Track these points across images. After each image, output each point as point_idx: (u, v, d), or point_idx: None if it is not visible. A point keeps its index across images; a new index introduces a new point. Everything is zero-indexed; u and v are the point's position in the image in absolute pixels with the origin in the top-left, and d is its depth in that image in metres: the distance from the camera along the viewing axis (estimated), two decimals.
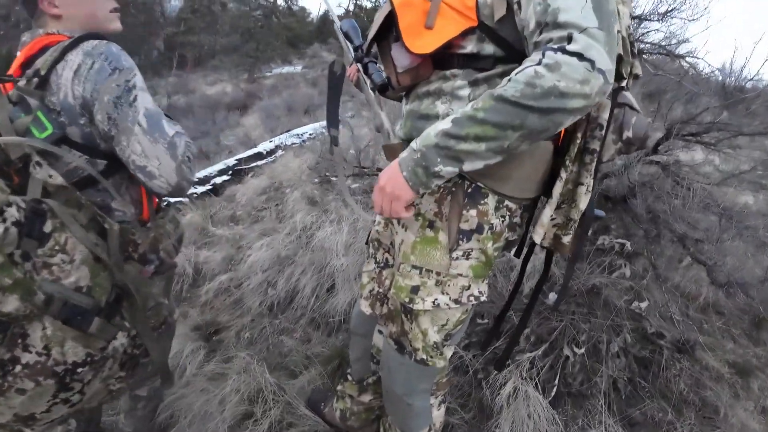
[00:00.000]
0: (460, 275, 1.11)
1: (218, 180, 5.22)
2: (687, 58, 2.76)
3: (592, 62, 0.80)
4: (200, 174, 5.48)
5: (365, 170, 3.38)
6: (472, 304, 1.17)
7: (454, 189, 1.08)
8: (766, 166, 4.16)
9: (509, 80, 0.87)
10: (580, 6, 0.83)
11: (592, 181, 1.08)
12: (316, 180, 4.01)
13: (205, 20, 28.89)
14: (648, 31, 2.92)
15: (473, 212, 1.07)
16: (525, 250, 1.35)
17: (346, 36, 1.29)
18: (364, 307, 1.44)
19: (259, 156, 6.07)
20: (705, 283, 2.22)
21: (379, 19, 1.10)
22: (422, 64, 1.09)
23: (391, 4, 1.05)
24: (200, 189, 4.93)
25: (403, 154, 0.97)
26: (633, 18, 2.91)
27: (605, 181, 2.68)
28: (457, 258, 1.10)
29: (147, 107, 0.99)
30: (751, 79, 2.87)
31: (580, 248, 1.16)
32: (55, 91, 0.93)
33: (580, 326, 1.88)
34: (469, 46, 1.03)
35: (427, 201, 1.11)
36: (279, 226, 3.28)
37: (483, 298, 1.16)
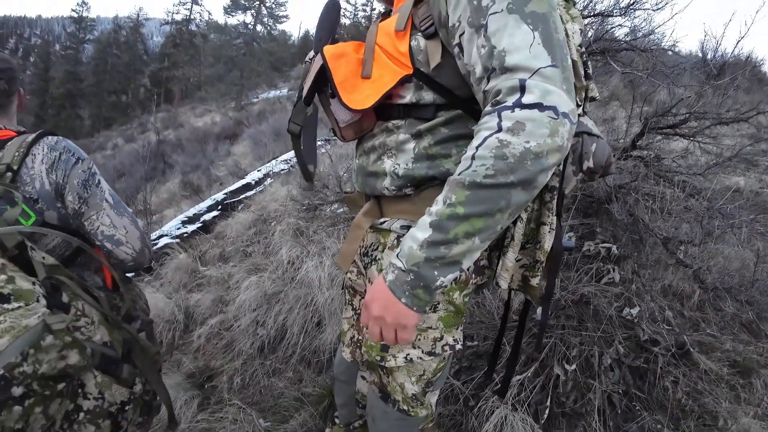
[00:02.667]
0: (430, 328, 1.07)
1: (208, 216, 5.21)
2: (654, 50, 2.72)
3: (554, 108, 0.73)
4: (190, 212, 5.48)
5: (345, 196, 3.35)
6: (448, 353, 1.12)
7: None
8: (755, 140, 4.11)
9: (473, 159, 0.77)
10: (528, 43, 0.76)
11: (554, 219, 1.02)
12: (304, 207, 3.99)
13: (188, 53, 29.25)
14: (612, 27, 2.89)
15: None
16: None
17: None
18: (346, 354, 1.41)
19: (248, 187, 6.07)
20: (697, 281, 2.17)
21: (312, 72, 1.05)
22: (364, 117, 1.05)
23: (323, 57, 1.01)
24: (190, 228, 4.91)
25: (390, 277, 0.86)
26: (595, 15, 2.89)
27: (587, 182, 2.65)
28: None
29: (109, 189, 1.16)
30: (732, 54, 2.82)
31: (552, 285, 1.11)
32: (29, 182, 1.04)
33: (570, 341, 1.83)
34: (408, 95, 0.99)
35: (388, 256, 1.07)
36: (266, 261, 3.25)
37: (458, 346, 1.11)
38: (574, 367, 1.75)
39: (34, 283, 0.87)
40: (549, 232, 1.03)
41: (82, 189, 1.10)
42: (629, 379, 1.75)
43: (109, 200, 1.14)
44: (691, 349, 1.80)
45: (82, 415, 0.92)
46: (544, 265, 1.06)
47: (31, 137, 1.07)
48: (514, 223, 1.04)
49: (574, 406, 1.68)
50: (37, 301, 0.85)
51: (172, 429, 1.48)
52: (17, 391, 0.77)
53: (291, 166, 6.78)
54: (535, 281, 1.08)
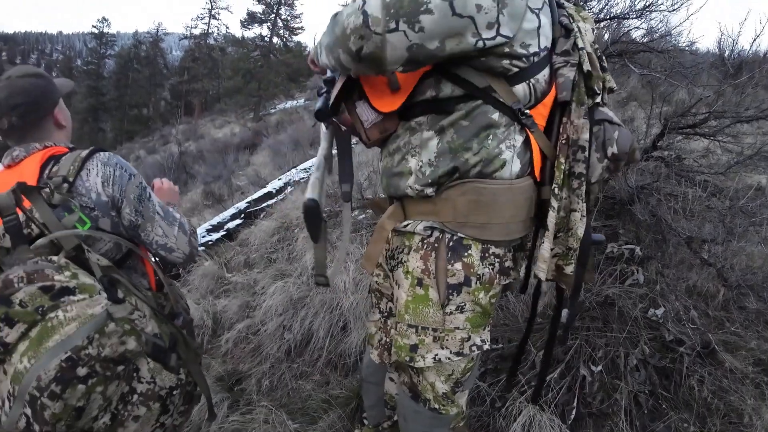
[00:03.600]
0: (458, 329, 1.10)
1: (231, 225, 5.32)
2: (671, 51, 2.73)
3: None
4: (214, 221, 5.60)
5: (368, 201, 3.41)
6: (476, 354, 1.16)
7: (436, 245, 1.08)
8: None
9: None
10: None
11: (584, 205, 1.06)
12: (325, 214, 4.05)
13: (206, 66, 29.87)
14: (629, 29, 2.90)
15: (458, 265, 1.06)
16: (534, 282, 1.34)
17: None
18: (374, 356, 1.44)
19: (269, 196, 6.17)
20: (721, 279, 2.16)
21: (339, 84, 1.11)
22: (387, 117, 1.11)
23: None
24: (215, 236, 5.02)
25: None
26: (611, 18, 2.90)
27: (610, 182, 2.65)
28: (451, 313, 1.09)
29: (158, 200, 1.26)
30: (749, 52, 2.80)
31: (581, 276, 1.14)
32: (84, 193, 1.13)
33: (596, 342, 1.85)
34: (428, 91, 1.05)
35: (413, 258, 1.11)
36: (290, 267, 3.31)
37: (486, 347, 1.15)
38: (600, 368, 1.76)
39: (94, 279, 0.96)
40: (581, 219, 1.07)
41: (138, 203, 1.20)
42: (655, 379, 1.76)
43: (160, 212, 1.24)
44: (717, 348, 1.79)
45: (135, 397, 1.00)
46: (577, 253, 1.10)
47: (84, 153, 1.16)
48: (546, 213, 1.08)
49: (600, 406, 1.70)
50: (99, 293, 0.93)
51: (211, 420, 1.63)
52: (82, 371, 0.84)
53: (310, 174, 6.87)
54: (569, 269, 1.12)
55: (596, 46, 1.12)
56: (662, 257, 2.13)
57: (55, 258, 0.94)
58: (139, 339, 0.97)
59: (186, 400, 1.17)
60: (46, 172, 1.12)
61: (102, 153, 1.20)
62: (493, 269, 1.09)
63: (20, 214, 0.99)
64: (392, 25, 0.86)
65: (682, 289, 2.07)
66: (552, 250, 1.11)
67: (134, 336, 0.95)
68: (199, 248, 1.32)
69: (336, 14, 0.95)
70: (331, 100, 1.12)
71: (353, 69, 0.98)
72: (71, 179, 1.10)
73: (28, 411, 0.81)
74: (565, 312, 2.05)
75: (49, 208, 1.02)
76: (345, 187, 1.25)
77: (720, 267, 2.00)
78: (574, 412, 1.67)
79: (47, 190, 1.06)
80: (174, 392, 1.09)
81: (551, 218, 1.06)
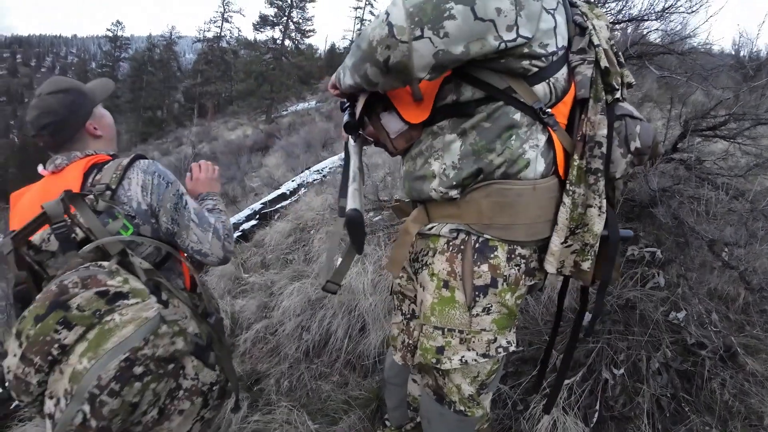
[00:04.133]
0: (484, 330, 1.11)
1: (246, 225, 5.38)
2: (691, 53, 2.71)
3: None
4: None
5: (383, 203, 3.43)
6: (502, 355, 1.16)
7: (462, 246, 1.09)
8: None
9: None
10: None
11: (602, 201, 1.06)
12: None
13: (219, 69, 30.16)
14: (649, 31, 2.89)
15: (485, 267, 1.07)
16: (554, 284, 1.34)
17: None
18: (397, 357, 1.45)
19: (283, 197, 6.22)
20: (743, 282, 2.14)
21: (362, 99, 1.13)
22: (413, 126, 1.12)
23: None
24: None
25: None
26: (631, 20, 2.89)
27: (630, 185, 2.63)
28: (477, 314, 1.10)
29: (194, 207, 1.30)
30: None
31: (609, 273, 1.13)
32: (126, 201, 1.18)
33: (618, 345, 1.84)
34: (449, 96, 1.06)
35: (438, 261, 1.12)
36: (307, 268, 3.34)
37: (512, 348, 1.15)
38: (622, 371, 1.76)
39: (143, 283, 1.02)
40: (598, 215, 1.06)
41: (173, 211, 1.25)
42: (677, 382, 1.75)
43: (195, 220, 1.29)
44: (738, 350, 1.78)
45: (181, 392, 1.08)
46: (596, 249, 1.09)
47: (125, 161, 1.21)
48: (558, 209, 1.08)
49: (622, 409, 1.69)
50: (149, 297, 0.99)
51: (235, 411, 1.78)
52: (138, 370, 0.91)
53: (323, 176, 6.92)
54: (585, 265, 1.11)
55: (612, 42, 1.12)
56: (684, 260, 2.12)
57: (105, 264, 0.99)
58: (186, 339, 1.04)
59: (220, 395, 1.22)
60: (90, 180, 1.17)
61: (143, 161, 1.25)
62: (519, 270, 1.10)
63: (66, 218, 1.04)
64: (417, 33, 0.88)
65: (704, 293, 2.06)
66: (570, 246, 1.11)
67: (182, 336, 1.02)
68: (233, 250, 1.39)
69: (359, 32, 0.98)
70: (357, 114, 1.14)
71: (381, 82, 0.99)
72: (113, 187, 1.16)
73: (86, 408, 0.85)
74: (587, 315, 2.06)
75: (94, 214, 1.07)
76: (342, 201, 1.23)
77: (742, 270, 1.98)
78: (596, 415, 1.67)
79: (91, 197, 1.11)
80: (214, 387, 1.17)
81: (562, 214, 1.07)
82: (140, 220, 1.20)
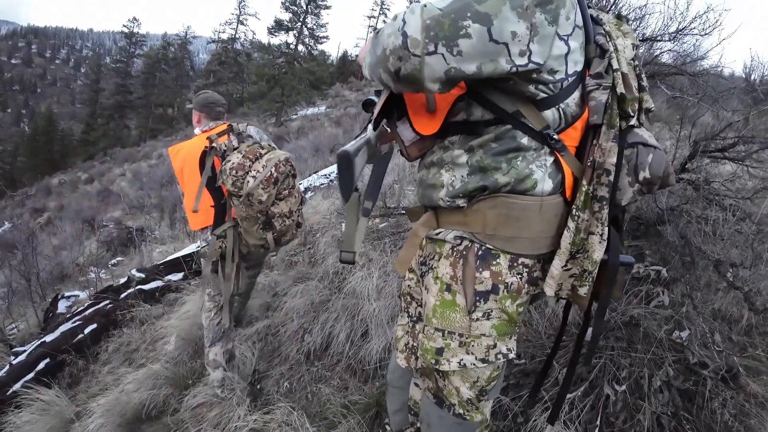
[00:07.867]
0: (484, 335, 1.12)
1: None
2: (703, 76, 2.73)
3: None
4: None
5: (391, 210, 3.44)
6: (502, 362, 1.17)
7: (465, 253, 1.11)
8: None
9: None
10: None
11: (605, 228, 1.05)
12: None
13: (232, 70, 30.43)
14: (662, 52, 2.91)
15: (486, 273, 1.09)
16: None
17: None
18: (400, 360, 1.47)
19: None
20: (747, 303, 2.14)
21: (381, 100, 1.14)
22: (425, 137, 1.16)
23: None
24: None
25: None
26: (644, 40, 2.91)
27: (637, 203, 2.63)
28: (477, 319, 1.11)
29: None
30: None
31: (607, 298, 1.12)
32: None
33: (620, 362, 1.84)
34: (460, 114, 1.09)
35: (443, 265, 1.15)
36: (312, 271, 3.36)
37: (512, 355, 1.16)
38: (623, 387, 1.75)
39: None
40: (599, 242, 1.05)
41: None
42: (678, 401, 1.74)
43: None
44: (740, 371, 1.78)
45: None
46: (593, 275, 1.09)
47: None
48: (561, 228, 1.09)
49: (623, 426, 1.69)
50: None
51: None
52: None
53: (330, 180, 6.95)
54: (582, 291, 1.11)
55: (636, 63, 1.11)
56: (689, 279, 2.12)
57: None
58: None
59: None
60: None
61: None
62: (521, 278, 1.11)
63: None
64: (431, 48, 0.88)
65: (708, 313, 2.06)
66: (569, 269, 1.10)
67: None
68: None
69: (377, 32, 0.97)
70: (374, 120, 1.14)
71: (393, 87, 1.01)
72: None
73: None
74: (590, 331, 2.05)
75: None
76: (367, 203, 1.28)
77: (747, 291, 1.98)
78: (597, 430, 1.67)
79: None
80: None
81: (565, 239, 1.06)
82: None
